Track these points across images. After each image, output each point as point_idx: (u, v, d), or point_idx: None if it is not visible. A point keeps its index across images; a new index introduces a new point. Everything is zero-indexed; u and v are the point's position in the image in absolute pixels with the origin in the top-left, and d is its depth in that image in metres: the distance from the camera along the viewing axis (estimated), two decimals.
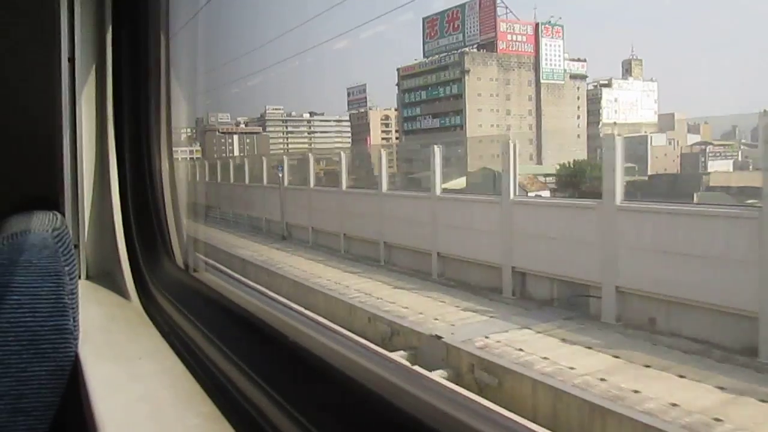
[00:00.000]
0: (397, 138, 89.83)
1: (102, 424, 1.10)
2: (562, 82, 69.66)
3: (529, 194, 23.25)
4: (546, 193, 32.17)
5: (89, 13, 2.03)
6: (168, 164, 2.05)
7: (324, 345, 1.09)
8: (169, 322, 1.58)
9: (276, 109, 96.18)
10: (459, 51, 67.98)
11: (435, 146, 14.82)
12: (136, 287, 1.90)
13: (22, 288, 1.22)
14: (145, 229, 2.01)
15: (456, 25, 68.53)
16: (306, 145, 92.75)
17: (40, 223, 1.41)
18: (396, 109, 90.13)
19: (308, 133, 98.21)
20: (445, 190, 16.39)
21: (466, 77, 66.88)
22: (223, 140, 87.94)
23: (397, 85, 75.76)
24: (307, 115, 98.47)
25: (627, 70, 76.77)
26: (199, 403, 1.15)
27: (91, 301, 1.80)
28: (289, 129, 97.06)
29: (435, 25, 70.24)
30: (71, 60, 2.01)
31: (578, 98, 70.98)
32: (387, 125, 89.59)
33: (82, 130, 2.05)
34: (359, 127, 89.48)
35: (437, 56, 70.47)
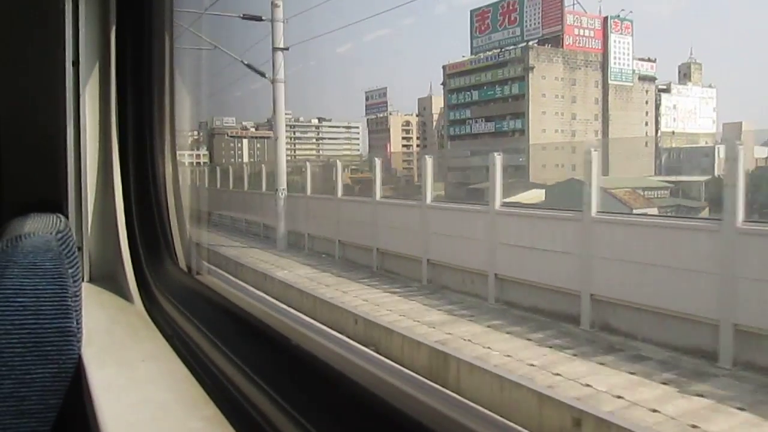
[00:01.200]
0: (418, 146, 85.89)
1: (105, 427, 1.10)
2: (631, 84, 62.32)
3: (634, 211, 19.65)
4: (652, 211, 25.90)
5: (93, 16, 2.04)
6: (171, 167, 2.05)
7: (327, 349, 1.09)
8: (172, 324, 1.59)
9: (284, 113, 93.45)
10: (521, 45, 59.49)
11: (495, 153, 12.07)
12: (139, 290, 1.91)
13: (25, 290, 1.22)
14: (148, 232, 2.01)
15: (513, 18, 60.51)
16: (314, 152, 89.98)
17: (44, 226, 1.41)
18: (418, 115, 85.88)
19: (316, 140, 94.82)
20: (510, 204, 13.69)
21: (530, 75, 58.90)
22: (232, 144, 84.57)
23: (443, 84, 68.70)
24: (315, 121, 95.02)
25: (685, 75, 69.76)
26: (202, 407, 1.15)
27: (94, 304, 1.80)
28: (297, 135, 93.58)
29: (486, 19, 62.89)
30: (75, 63, 2.02)
31: (646, 102, 64.14)
32: (407, 131, 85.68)
33: (86, 133, 2.06)
34: (378, 133, 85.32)
35: (490, 52, 62.51)
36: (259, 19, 18.99)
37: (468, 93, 65.87)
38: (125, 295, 1.92)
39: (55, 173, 2.01)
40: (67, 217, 1.94)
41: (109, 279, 2.06)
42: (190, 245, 1.97)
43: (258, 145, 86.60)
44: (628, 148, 52.16)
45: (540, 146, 53.18)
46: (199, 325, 1.44)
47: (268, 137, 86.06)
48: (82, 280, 1.56)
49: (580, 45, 60.21)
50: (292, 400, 1.00)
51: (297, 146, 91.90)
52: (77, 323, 1.29)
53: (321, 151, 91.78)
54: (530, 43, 58.86)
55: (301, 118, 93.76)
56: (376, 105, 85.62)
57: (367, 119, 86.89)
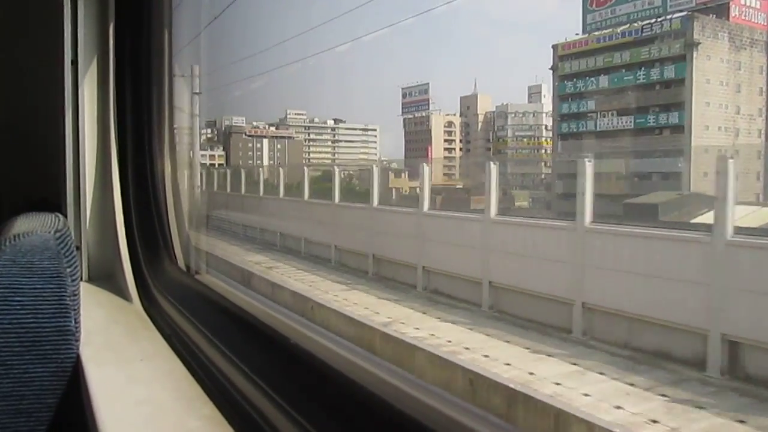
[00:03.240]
0: (461, 149, 74.10)
1: (103, 426, 1.10)
2: None
3: None
4: None
5: (92, 15, 2.04)
6: (170, 166, 2.05)
7: (325, 347, 1.09)
8: (171, 324, 1.59)
9: (298, 113, 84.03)
10: (678, 16, 43.81)
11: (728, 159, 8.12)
12: (137, 289, 1.91)
13: (24, 289, 1.22)
14: (147, 231, 2.01)
15: None
16: (329, 155, 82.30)
17: (42, 225, 1.41)
18: (461, 115, 73.00)
19: (332, 142, 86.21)
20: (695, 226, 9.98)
21: (694, 54, 42.80)
22: (250, 144, 75.51)
23: (553, 69, 52.49)
24: (331, 122, 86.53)
25: None
26: (201, 406, 1.15)
27: (92, 303, 1.80)
28: (312, 136, 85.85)
29: None
30: (74, 62, 2.02)
31: None
32: (450, 133, 74.46)
33: (85, 131, 2.06)
34: (416, 135, 73.66)
35: (621, 28, 47.11)
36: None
37: (592, 79, 49.33)
38: (124, 294, 1.92)
39: (54, 172, 2.01)
40: (65, 216, 1.94)
41: (107, 278, 2.06)
42: (189, 244, 1.97)
43: (278, 146, 78.95)
44: None
45: (702, 149, 39.05)
46: (198, 324, 1.44)
47: (289, 137, 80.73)
48: (81, 279, 1.56)
49: (746, 18, 45.09)
50: (290, 398, 1.00)
51: (311, 148, 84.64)
52: (75, 322, 1.29)
53: (336, 155, 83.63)
54: (688, 12, 43.57)
55: (316, 119, 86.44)
56: (415, 103, 74.08)
57: (404, 119, 75.37)
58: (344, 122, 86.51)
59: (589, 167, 9.84)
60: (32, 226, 1.38)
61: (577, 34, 50.94)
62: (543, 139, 68.12)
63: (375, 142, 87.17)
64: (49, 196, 1.96)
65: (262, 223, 20.52)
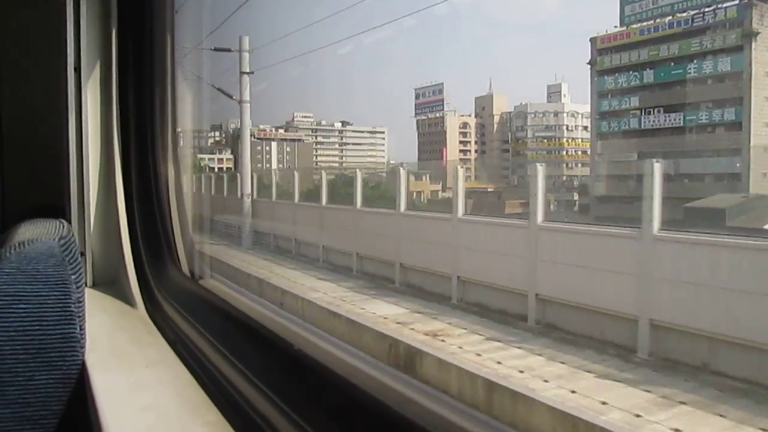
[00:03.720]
0: (476, 151, 70.34)
1: None
2: None
3: None
4: None
5: (95, 22, 2.05)
6: (174, 171, 2.06)
7: (329, 353, 1.09)
8: (175, 329, 1.59)
9: (305, 116, 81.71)
10: (733, 4, 39.50)
11: None
12: (142, 295, 1.91)
13: (29, 296, 1.23)
14: (151, 236, 2.02)
15: None
16: (337, 158, 79.96)
17: (47, 232, 1.42)
18: (508, 115, 68.44)
19: (339, 145, 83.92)
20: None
21: (753, 44, 38.59)
22: (259, 147, 71.92)
23: (591, 63, 48.61)
24: (338, 125, 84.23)
25: None
26: (205, 412, 1.15)
27: (97, 309, 1.81)
28: (319, 139, 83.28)
29: None
30: (77, 69, 2.03)
31: None
32: (465, 134, 71.47)
33: (88, 138, 2.07)
34: (430, 137, 71.19)
35: (667, 18, 43.20)
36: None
37: (635, 74, 45.57)
38: (128, 299, 1.93)
39: (58, 179, 2.02)
40: (69, 222, 1.95)
41: (111, 284, 2.06)
42: (193, 249, 1.97)
43: (288, 149, 76.79)
44: None
45: (762, 147, 35.99)
46: (202, 330, 1.45)
47: (299, 140, 78.16)
48: (85, 285, 1.57)
49: None
50: (294, 404, 1.01)
51: (319, 152, 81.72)
52: (80, 329, 1.29)
53: (344, 158, 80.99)
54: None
55: (323, 122, 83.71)
56: (429, 104, 71.26)
57: (417, 120, 72.33)
58: (351, 125, 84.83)
59: (657, 169, 8.69)
60: (37, 233, 1.38)
61: (615, 26, 46.72)
62: (564, 140, 65.50)
63: (383, 144, 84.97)
64: (54, 203, 1.97)
65: (291, 232, 18.62)
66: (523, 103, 68.38)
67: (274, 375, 1.14)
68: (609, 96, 47.14)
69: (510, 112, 70.32)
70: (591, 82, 49.22)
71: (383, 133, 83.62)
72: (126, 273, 1.97)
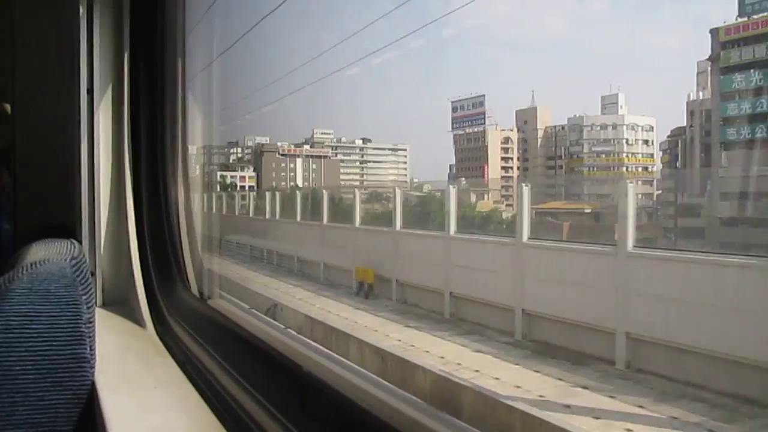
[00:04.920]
0: (518, 168, 63.38)
1: None
2: None
3: None
4: None
5: (107, 44, 2.09)
6: (184, 192, 2.07)
7: (338, 376, 1.09)
8: (184, 350, 1.59)
9: (325, 133, 77.72)
10: None
11: None
12: (151, 315, 1.91)
13: (40, 317, 1.23)
14: (161, 257, 2.02)
15: None
16: (358, 176, 76.22)
17: (58, 252, 1.43)
18: (553, 129, 62.60)
19: (360, 163, 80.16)
20: None
21: None
22: (283, 164, 70.18)
23: (711, 60, 40.58)
24: (359, 142, 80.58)
25: None
26: None
27: (107, 329, 1.81)
28: (340, 156, 79.53)
29: None
30: (90, 91, 2.06)
31: None
32: (506, 150, 65.52)
33: (100, 159, 2.09)
34: (468, 152, 65.54)
35: None
36: None
37: None
38: (137, 320, 1.93)
39: (69, 199, 2.04)
40: (80, 242, 1.96)
41: (121, 304, 2.07)
42: (202, 270, 1.98)
43: (314, 166, 73.54)
44: None
45: None
46: (211, 351, 1.44)
47: (324, 156, 74.86)
48: (95, 305, 1.57)
49: None
50: (303, 426, 1.00)
51: (341, 170, 77.72)
52: (91, 349, 1.30)
53: (365, 176, 76.63)
54: None
55: (344, 139, 79.74)
56: (468, 117, 65.41)
57: (454, 135, 65.94)
58: (371, 141, 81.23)
59: None
60: (48, 254, 1.39)
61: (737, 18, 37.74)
62: (624, 155, 58.79)
63: (405, 162, 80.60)
64: (65, 223, 1.99)
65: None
66: (578, 115, 61.36)
67: (283, 396, 1.14)
68: (737, 97, 37.94)
69: (556, 126, 64.11)
70: (711, 81, 40.65)
71: (405, 150, 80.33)
72: (135, 293, 1.98)
